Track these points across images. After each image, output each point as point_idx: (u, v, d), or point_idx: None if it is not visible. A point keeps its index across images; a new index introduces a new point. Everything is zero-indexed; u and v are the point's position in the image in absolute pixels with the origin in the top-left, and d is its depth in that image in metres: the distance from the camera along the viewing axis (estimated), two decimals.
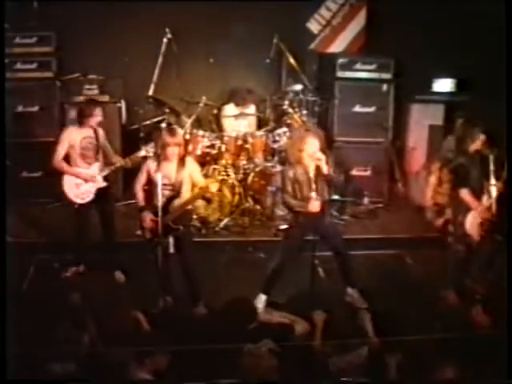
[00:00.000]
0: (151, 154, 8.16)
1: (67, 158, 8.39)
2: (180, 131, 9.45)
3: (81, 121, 8.36)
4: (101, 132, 8.51)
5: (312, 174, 7.53)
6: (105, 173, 8.45)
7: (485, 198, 7.92)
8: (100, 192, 8.48)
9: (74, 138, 8.33)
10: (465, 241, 8.14)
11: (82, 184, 8.38)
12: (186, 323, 7.13)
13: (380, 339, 6.26)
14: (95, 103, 8.74)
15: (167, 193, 7.59)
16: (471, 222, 8.01)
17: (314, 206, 7.45)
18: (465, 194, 8.04)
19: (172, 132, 8.00)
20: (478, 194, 7.99)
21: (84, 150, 8.37)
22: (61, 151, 8.33)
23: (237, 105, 10.89)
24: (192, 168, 7.81)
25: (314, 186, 7.49)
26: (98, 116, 8.34)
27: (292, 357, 5.99)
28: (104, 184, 8.48)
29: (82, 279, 8.48)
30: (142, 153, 8.35)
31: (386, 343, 6.09)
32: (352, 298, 8.04)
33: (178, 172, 7.65)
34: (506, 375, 5.45)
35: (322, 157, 7.42)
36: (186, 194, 7.69)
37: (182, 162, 7.70)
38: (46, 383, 5.53)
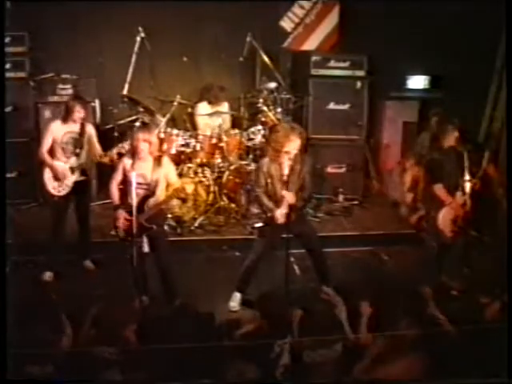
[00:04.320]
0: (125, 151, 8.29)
1: (51, 151, 8.43)
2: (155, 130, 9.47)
3: (65, 116, 8.42)
4: (89, 127, 8.58)
5: (286, 171, 7.50)
6: (76, 165, 8.45)
7: (458, 194, 7.99)
8: (77, 187, 8.51)
9: (57, 131, 8.39)
10: (438, 236, 8.20)
11: (58, 176, 8.42)
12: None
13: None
14: (79, 100, 8.62)
15: (142, 192, 7.54)
16: (444, 218, 8.07)
17: (280, 215, 7.49)
18: (439, 189, 8.09)
19: (145, 128, 8.00)
20: (451, 189, 8.05)
21: (65, 144, 8.41)
22: (45, 144, 8.41)
23: (209, 103, 10.88)
24: (168, 168, 7.76)
25: (285, 185, 7.48)
26: (79, 112, 8.35)
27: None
28: (81, 178, 8.52)
29: (57, 279, 8.50)
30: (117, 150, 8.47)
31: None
32: (328, 295, 8.08)
33: (153, 171, 7.60)
34: (506, 375, 5.49)
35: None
36: (160, 193, 7.65)
37: (158, 161, 7.64)
38: (46, 383, 5.54)
